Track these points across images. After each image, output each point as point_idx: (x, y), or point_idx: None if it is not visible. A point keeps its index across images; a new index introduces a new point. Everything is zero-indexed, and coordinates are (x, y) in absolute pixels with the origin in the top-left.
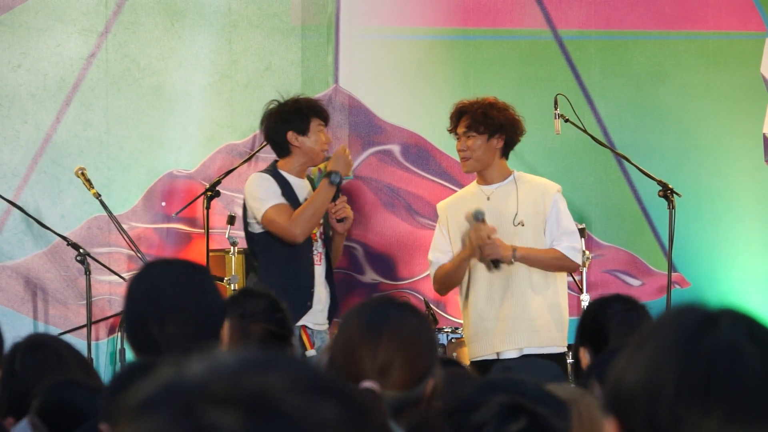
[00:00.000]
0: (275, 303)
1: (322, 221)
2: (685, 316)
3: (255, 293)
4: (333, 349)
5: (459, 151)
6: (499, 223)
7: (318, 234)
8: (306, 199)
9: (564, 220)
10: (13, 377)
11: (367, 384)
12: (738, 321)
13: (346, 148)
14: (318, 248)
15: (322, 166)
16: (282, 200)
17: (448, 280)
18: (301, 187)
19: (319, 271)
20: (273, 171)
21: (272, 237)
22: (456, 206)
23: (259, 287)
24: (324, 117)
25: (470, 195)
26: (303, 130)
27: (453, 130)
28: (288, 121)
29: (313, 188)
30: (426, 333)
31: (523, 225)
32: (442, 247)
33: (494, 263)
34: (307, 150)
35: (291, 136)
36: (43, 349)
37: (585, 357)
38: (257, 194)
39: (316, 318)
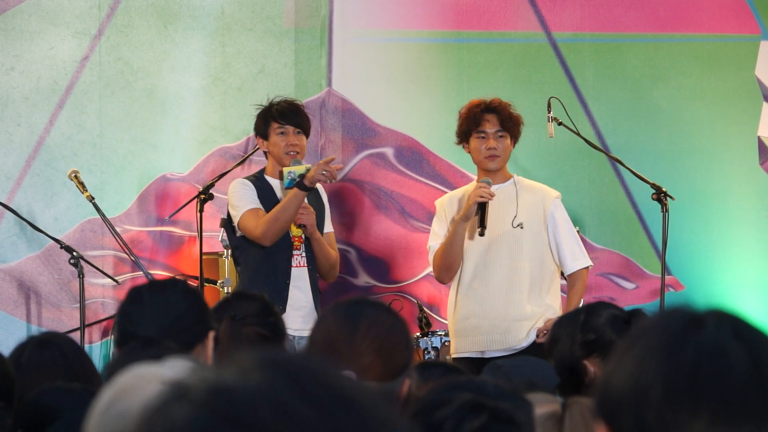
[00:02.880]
0: (268, 306)
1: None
2: (671, 319)
3: (247, 296)
4: (310, 345)
5: (488, 149)
6: (498, 223)
7: (302, 238)
8: None
9: (567, 231)
10: (17, 369)
11: (344, 373)
12: (723, 321)
13: (331, 158)
14: (302, 253)
15: (288, 169)
16: (255, 204)
17: (445, 255)
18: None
19: (298, 274)
20: (257, 176)
21: (248, 241)
22: (455, 203)
23: (251, 290)
24: (286, 119)
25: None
26: (265, 135)
27: (476, 127)
28: (256, 127)
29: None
30: (400, 330)
31: (522, 228)
32: (441, 234)
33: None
34: (273, 153)
35: (259, 141)
36: (50, 347)
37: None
38: (233, 201)
39: (295, 323)
